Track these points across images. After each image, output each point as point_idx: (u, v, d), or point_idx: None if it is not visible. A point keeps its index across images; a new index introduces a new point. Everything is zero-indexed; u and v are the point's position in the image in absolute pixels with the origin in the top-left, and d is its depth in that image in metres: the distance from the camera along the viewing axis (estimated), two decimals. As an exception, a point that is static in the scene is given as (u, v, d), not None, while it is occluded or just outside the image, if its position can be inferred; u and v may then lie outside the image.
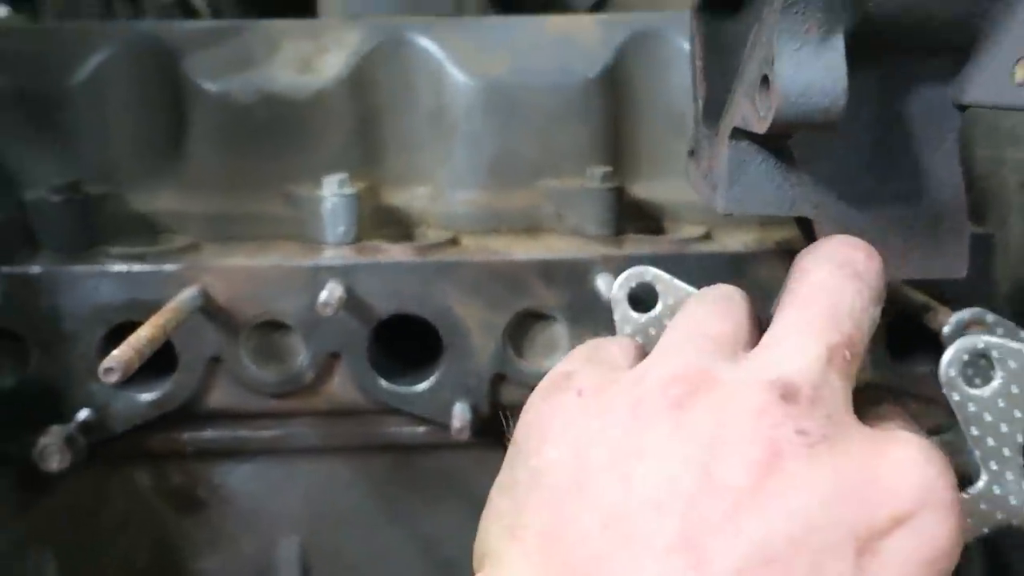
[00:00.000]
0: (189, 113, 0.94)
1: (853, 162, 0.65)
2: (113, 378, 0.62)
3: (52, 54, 0.93)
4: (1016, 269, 1.15)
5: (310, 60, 0.95)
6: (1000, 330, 0.66)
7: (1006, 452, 0.51)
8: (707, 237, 0.90)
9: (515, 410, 0.51)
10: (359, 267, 0.83)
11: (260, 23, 0.98)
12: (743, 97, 0.60)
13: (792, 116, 0.53)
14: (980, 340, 0.52)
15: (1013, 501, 0.51)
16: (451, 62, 0.94)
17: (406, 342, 0.88)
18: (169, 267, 0.83)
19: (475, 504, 0.50)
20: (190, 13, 1.51)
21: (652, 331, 0.59)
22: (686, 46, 0.89)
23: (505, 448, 0.51)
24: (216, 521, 0.90)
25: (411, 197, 0.96)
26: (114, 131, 0.93)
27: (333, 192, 0.87)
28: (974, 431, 0.51)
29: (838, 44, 0.53)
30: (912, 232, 0.65)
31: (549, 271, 0.85)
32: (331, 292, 0.79)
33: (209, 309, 0.82)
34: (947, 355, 0.52)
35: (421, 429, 0.89)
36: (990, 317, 0.68)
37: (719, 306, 0.54)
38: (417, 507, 0.93)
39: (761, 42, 0.56)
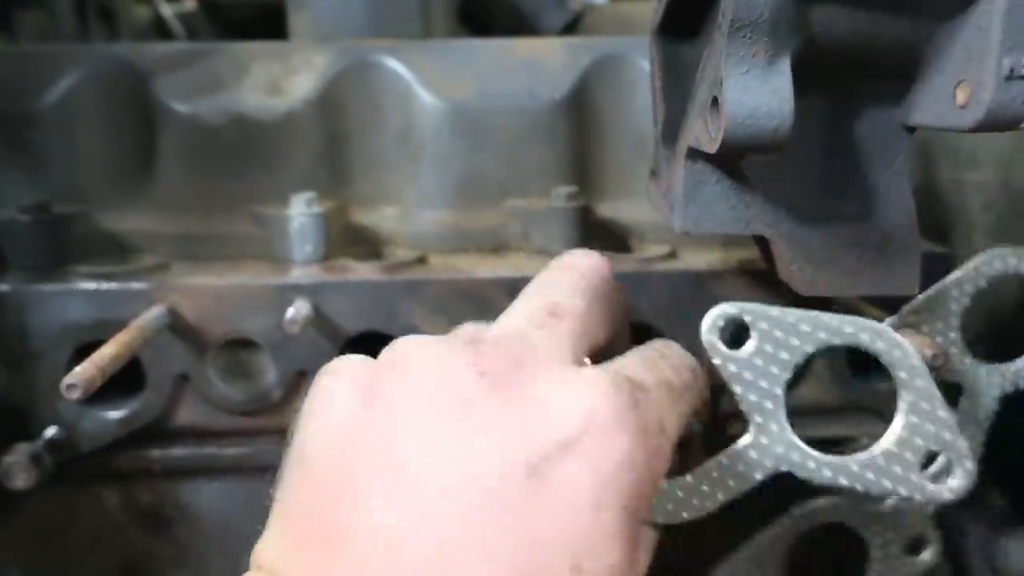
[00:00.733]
0: (159, 135, 0.95)
1: (805, 183, 0.67)
2: (75, 395, 0.63)
3: (23, 76, 0.94)
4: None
5: (279, 82, 0.96)
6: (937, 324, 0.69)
7: (768, 405, 0.56)
8: (672, 256, 0.91)
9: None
10: (327, 285, 0.84)
11: (229, 46, 0.99)
12: (696, 118, 0.62)
13: (740, 138, 0.55)
14: (733, 305, 0.58)
15: (779, 449, 0.56)
16: (419, 84, 0.96)
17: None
18: (137, 286, 0.83)
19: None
20: (166, 35, 1.52)
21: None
22: (650, 69, 0.91)
23: None
24: (184, 539, 0.90)
25: (379, 217, 0.97)
26: (84, 152, 0.94)
27: (301, 211, 0.88)
28: (737, 389, 0.56)
29: (784, 68, 0.55)
30: (864, 250, 0.67)
31: (515, 289, 0.85)
32: (297, 310, 0.80)
33: (177, 327, 0.83)
34: (705, 322, 0.57)
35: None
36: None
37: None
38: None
39: (711, 65, 0.58)
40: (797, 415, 0.92)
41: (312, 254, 0.89)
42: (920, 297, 0.68)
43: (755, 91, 0.54)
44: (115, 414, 0.85)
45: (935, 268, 0.83)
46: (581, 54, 0.99)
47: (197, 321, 0.83)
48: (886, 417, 0.87)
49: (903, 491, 0.56)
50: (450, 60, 0.98)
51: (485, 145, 0.96)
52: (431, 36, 1.14)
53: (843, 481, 0.56)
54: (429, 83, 0.96)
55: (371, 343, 0.85)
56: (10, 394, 0.83)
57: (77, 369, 0.65)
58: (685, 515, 0.55)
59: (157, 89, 0.95)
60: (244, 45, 0.99)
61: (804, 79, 0.57)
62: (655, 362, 0.58)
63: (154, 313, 0.80)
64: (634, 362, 0.57)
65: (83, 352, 0.78)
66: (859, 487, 0.56)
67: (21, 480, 0.78)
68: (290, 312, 0.79)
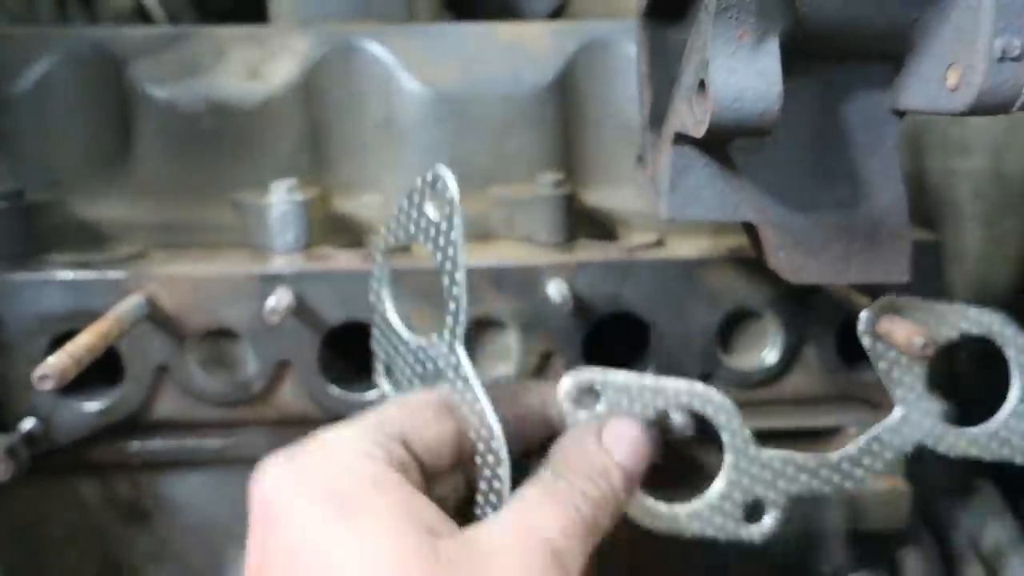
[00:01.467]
0: (135, 120, 0.93)
1: (794, 168, 0.65)
2: (48, 385, 0.61)
3: (-3, 60, 0.92)
4: (971, 276, 1.16)
5: (258, 67, 0.94)
6: (918, 313, 0.71)
7: None
8: (659, 244, 0.90)
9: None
10: (308, 275, 0.83)
11: (207, 30, 0.97)
12: (682, 102, 0.60)
13: (727, 121, 0.54)
14: (586, 371, 0.71)
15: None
16: (402, 69, 0.94)
17: (362, 347, 0.87)
18: (114, 275, 0.82)
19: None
20: (145, 18, 1.50)
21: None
22: (636, 54, 0.90)
23: None
24: (164, 533, 0.89)
25: (361, 204, 0.96)
26: (59, 138, 0.92)
27: (282, 199, 0.87)
28: None
29: (772, 49, 0.54)
30: (853, 237, 0.66)
31: (500, 278, 0.84)
32: (278, 300, 0.78)
33: (156, 317, 0.81)
34: (561, 387, 0.71)
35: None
36: (902, 301, 0.71)
37: None
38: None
39: (697, 47, 0.57)
40: (786, 405, 0.91)
41: (293, 242, 0.87)
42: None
43: (742, 73, 0.53)
44: (93, 406, 0.84)
45: (925, 256, 0.82)
46: (567, 39, 0.97)
47: (176, 311, 0.82)
48: (874, 406, 0.87)
49: (721, 537, 0.70)
50: (434, 45, 0.96)
51: (469, 131, 0.95)
52: (415, 19, 1.12)
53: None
54: (412, 68, 0.94)
55: (353, 332, 0.84)
56: (-15, 385, 0.82)
57: (50, 360, 0.64)
58: None
59: (134, 74, 0.93)
60: (222, 29, 0.97)
61: (792, 62, 0.55)
62: (569, 496, 0.60)
63: (132, 303, 0.78)
64: (553, 513, 0.59)
65: (59, 343, 0.77)
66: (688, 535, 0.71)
67: (-4, 473, 0.77)
68: (271, 302, 0.78)
